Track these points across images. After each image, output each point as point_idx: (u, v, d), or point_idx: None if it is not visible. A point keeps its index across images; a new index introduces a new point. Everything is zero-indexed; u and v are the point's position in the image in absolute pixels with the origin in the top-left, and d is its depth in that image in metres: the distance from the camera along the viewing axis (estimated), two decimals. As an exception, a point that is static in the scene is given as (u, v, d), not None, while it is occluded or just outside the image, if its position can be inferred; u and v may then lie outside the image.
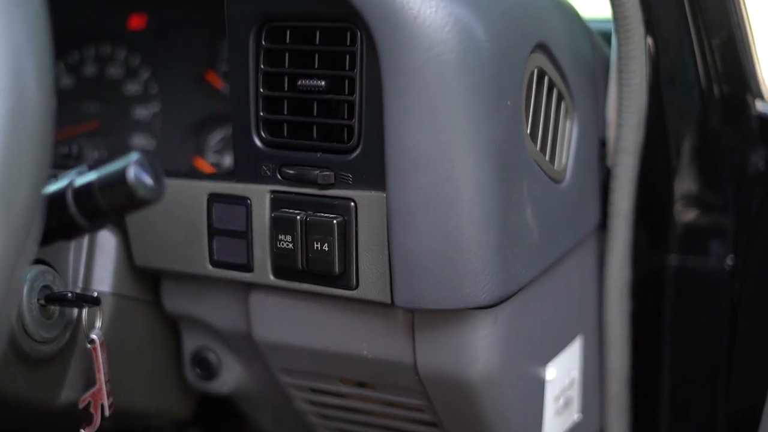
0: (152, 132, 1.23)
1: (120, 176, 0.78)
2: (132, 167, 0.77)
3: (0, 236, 0.59)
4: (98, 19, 1.27)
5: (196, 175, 1.12)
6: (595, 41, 1.18)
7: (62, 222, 0.81)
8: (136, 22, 1.26)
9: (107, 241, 1.07)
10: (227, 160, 1.21)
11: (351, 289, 0.96)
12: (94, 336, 0.99)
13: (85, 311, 1.00)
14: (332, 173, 0.95)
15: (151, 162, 0.79)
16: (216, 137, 1.21)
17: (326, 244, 0.94)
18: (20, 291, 0.92)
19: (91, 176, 0.80)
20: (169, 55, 1.23)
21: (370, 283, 0.95)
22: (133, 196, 0.78)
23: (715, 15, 1.16)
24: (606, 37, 1.20)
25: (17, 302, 0.92)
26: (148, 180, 0.78)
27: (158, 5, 1.24)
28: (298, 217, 0.96)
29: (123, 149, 1.24)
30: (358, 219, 0.94)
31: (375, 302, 0.95)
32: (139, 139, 1.24)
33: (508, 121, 0.92)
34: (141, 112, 1.24)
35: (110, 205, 0.79)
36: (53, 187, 0.81)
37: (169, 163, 1.20)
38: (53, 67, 0.67)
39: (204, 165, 1.21)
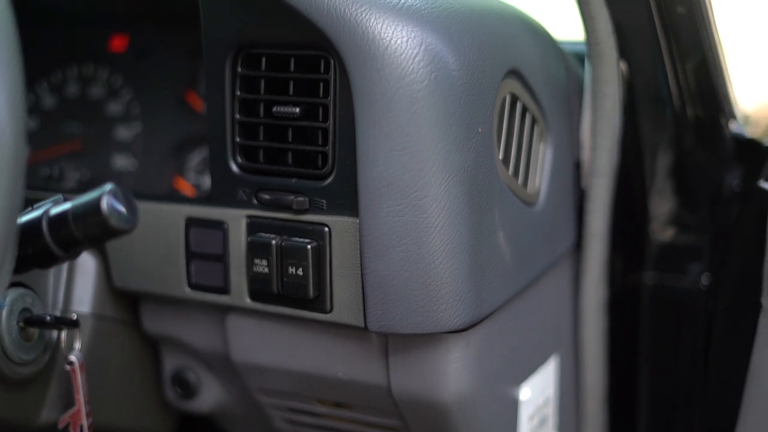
0: (134, 152, 1.24)
1: (94, 206, 0.79)
2: (105, 197, 0.79)
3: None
4: (81, 40, 1.28)
5: (174, 198, 1.13)
6: (569, 64, 1.19)
7: (37, 251, 0.82)
8: (118, 43, 1.27)
9: (87, 262, 1.09)
10: (207, 181, 1.22)
11: (325, 312, 0.97)
12: (72, 358, 1.00)
13: (64, 333, 1.01)
14: (307, 199, 0.96)
15: (125, 192, 0.81)
16: (196, 158, 1.22)
17: (301, 269, 0.96)
18: (-1, 314, 0.94)
19: (65, 206, 0.81)
20: (151, 76, 1.24)
21: (343, 307, 0.96)
22: (106, 225, 0.79)
23: (687, 38, 1.17)
24: (581, 58, 1.21)
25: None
26: (122, 209, 0.80)
27: (139, 26, 1.25)
28: (274, 242, 0.97)
29: (104, 170, 1.25)
30: (332, 244, 0.95)
31: (349, 326, 0.97)
32: (121, 160, 1.25)
33: (480, 148, 0.93)
34: (123, 133, 1.25)
35: (84, 234, 0.81)
36: (28, 217, 0.82)
37: (150, 184, 1.22)
38: (25, 102, 0.68)
39: (184, 185, 1.23)
